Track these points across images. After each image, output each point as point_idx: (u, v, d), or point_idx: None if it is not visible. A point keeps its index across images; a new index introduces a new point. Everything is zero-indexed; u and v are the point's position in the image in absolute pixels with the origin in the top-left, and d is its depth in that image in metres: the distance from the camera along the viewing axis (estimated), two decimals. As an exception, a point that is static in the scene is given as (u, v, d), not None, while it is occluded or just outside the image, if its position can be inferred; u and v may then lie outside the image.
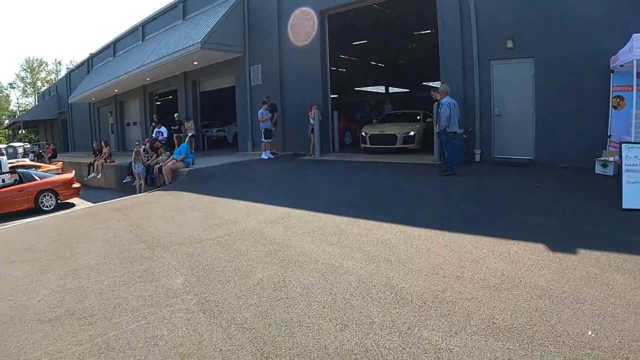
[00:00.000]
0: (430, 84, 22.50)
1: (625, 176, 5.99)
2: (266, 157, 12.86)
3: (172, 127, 16.75)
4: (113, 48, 25.64)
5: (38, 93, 68.41)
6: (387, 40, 21.85)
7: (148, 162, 13.10)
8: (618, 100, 8.49)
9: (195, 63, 16.77)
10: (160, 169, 12.04)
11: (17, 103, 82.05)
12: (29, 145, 38.50)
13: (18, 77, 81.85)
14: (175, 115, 17.60)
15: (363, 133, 13.50)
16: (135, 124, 24.79)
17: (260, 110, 13.11)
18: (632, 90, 7.43)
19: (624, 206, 5.85)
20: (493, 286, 3.66)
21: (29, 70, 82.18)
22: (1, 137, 65.28)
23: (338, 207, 6.66)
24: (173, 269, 4.67)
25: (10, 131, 63.06)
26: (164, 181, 11.67)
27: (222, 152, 16.84)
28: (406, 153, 12.35)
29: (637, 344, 2.71)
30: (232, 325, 3.32)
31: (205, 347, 3.06)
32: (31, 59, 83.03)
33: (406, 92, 28.53)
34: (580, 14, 8.59)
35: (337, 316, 3.34)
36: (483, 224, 5.44)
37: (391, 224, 5.62)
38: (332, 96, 30.22)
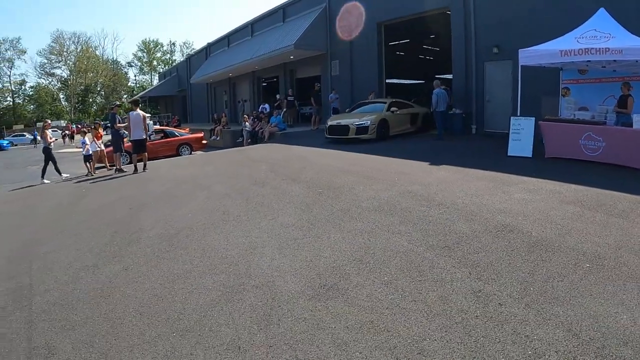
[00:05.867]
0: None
1: (510, 136, 11.28)
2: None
3: (274, 104, 24.05)
4: (227, 40, 33.74)
5: (159, 73, 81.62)
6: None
7: (256, 129, 20.23)
8: (565, 90, 12.84)
9: (292, 57, 23.67)
10: (262, 132, 19.06)
11: (135, 80, 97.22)
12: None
13: (135, 57, 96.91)
14: (277, 95, 24.92)
15: (327, 123, 15.75)
16: (246, 101, 32.66)
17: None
18: (576, 83, 12.27)
19: (508, 154, 11.12)
20: (378, 169, 9.61)
21: (145, 50, 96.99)
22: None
23: (353, 150, 12.80)
24: (262, 165, 11.41)
25: (129, 104, 76.28)
26: (265, 139, 18.66)
27: (308, 124, 23.53)
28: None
29: (412, 184, 8.57)
30: (280, 174, 9.89)
31: (268, 176, 9.61)
32: (148, 40, 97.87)
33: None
34: (544, 30, 12.79)
35: (312, 171, 9.61)
36: (418, 156, 11.15)
37: (369, 154, 11.74)
38: (419, 82, 35.50)
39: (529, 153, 10.83)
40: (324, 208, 6.83)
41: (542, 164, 9.87)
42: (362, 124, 14.55)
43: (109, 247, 6.04)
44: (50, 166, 13.73)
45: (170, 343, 3.47)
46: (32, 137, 49.97)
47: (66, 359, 3.44)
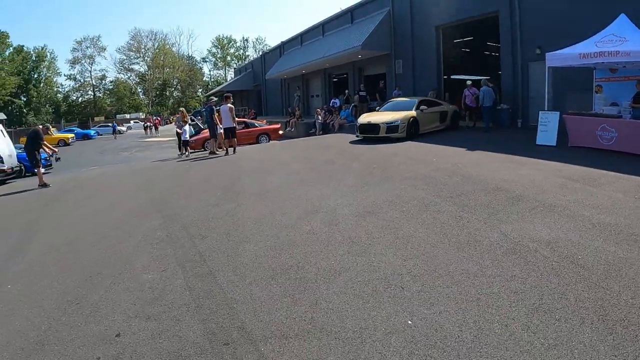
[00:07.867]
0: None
1: (539, 127, 13.27)
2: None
3: (343, 98, 27.06)
4: (300, 39, 36.98)
5: (234, 68, 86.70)
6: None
7: (327, 121, 23.25)
8: (598, 87, 14.12)
9: (360, 56, 26.38)
10: (332, 124, 22.03)
11: (209, 75, 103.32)
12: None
13: (210, 53, 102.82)
14: (346, 91, 27.83)
15: (357, 121, 16.25)
16: (317, 95, 35.84)
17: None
18: (608, 81, 14.02)
19: (537, 142, 13.06)
20: (422, 153, 12.12)
21: (219, 46, 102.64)
22: (197, 104, 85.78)
23: (405, 139, 15.35)
24: (331, 150, 14.29)
25: (204, 98, 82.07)
26: (335, 130, 21.63)
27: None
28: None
29: (445, 163, 11.06)
30: (345, 156, 12.70)
31: (335, 157, 12.42)
32: (221, 36, 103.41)
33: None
34: (579, 33, 14.09)
35: (370, 154, 12.30)
36: (459, 144, 13.42)
37: (418, 142, 14.22)
38: (485, 78, 36.92)
39: (553, 142, 12.73)
40: (374, 176, 9.55)
41: (563, 151, 11.76)
42: (392, 123, 15.10)
43: (222, 197, 9.10)
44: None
45: (274, 232, 6.37)
46: (112, 128, 55.00)
47: (215, 239, 6.38)
